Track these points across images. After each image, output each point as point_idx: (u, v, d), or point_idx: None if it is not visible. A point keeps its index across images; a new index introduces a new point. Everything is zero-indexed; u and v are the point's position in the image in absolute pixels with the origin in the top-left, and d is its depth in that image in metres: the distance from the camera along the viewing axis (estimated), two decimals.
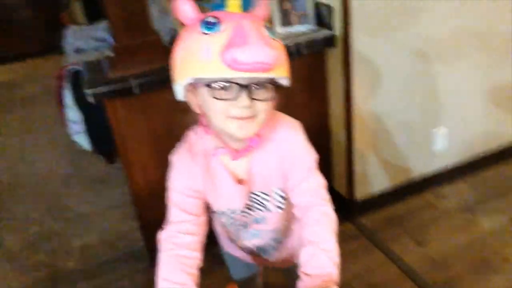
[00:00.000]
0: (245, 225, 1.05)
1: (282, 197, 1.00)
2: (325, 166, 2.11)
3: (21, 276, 2.01)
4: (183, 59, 0.81)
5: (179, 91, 0.85)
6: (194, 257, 0.90)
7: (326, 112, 1.99)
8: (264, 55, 0.75)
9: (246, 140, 0.89)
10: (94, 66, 1.74)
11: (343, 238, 1.70)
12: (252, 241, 1.10)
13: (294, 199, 0.97)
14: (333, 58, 1.83)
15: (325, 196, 0.95)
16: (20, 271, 2.04)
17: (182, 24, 0.84)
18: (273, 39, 0.80)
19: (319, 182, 0.95)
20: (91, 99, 1.56)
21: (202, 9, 0.85)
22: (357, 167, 1.98)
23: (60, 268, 2.05)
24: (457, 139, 2.16)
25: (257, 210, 1.01)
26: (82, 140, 2.75)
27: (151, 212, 1.89)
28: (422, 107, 2.01)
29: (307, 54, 1.76)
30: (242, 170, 0.95)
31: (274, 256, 1.15)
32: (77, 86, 2.42)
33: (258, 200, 1.00)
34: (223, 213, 1.02)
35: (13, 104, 4.24)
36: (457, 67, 1.99)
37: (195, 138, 0.95)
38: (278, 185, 0.97)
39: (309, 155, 0.96)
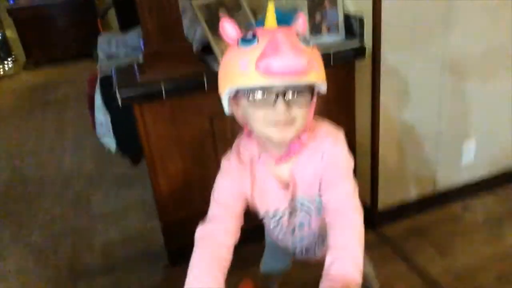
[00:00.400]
0: (292, 231, 1.11)
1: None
2: None
3: (44, 269, 2.05)
4: (225, 73, 0.89)
5: (225, 104, 0.92)
6: (228, 260, 0.92)
7: (352, 122, 1.99)
8: (296, 62, 0.80)
9: (287, 145, 0.94)
10: (125, 71, 1.77)
11: (365, 247, 1.67)
12: (299, 244, 1.16)
13: (325, 203, 0.98)
14: (362, 69, 1.82)
15: (356, 204, 0.94)
16: (43, 265, 2.08)
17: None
18: (307, 47, 0.84)
19: (352, 189, 0.95)
20: (119, 102, 1.59)
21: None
22: (381, 177, 1.95)
23: (81, 263, 2.08)
24: (485, 152, 2.11)
25: (300, 215, 1.07)
26: (109, 142, 2.81)
27: (172, 214, 1.92)
28: (451, 120, 1.98)
29: (336, 65, 1.76)
30: (285, 175, 1.00)
31: (319, 254, 1.18)
32: (107, 91, 2.48)
33: (302, 205, 1.04)
34: (270, 217, 1.07)
35: (47, 105, 4.39)
36: (487, 82, 1.96)
37: (242, 146, 1.01)
38: (318, 190, 1.00)
39: (346, 161, 0.97)
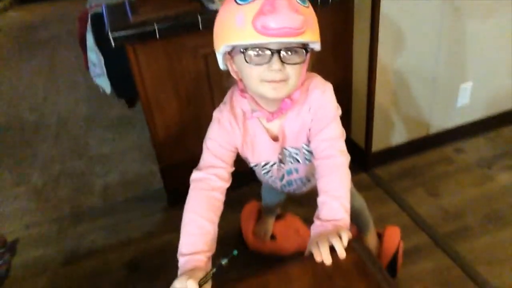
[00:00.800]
0: (281, 178, 1.19)
1: (309, 151, 1.08)
2: (345, 117, 2.10)
3: (45, 211, 2.12)
4: (220, 29, 0.89)
5: (220, 60, 0.93)
6: (221, 200, 0.99)
7: (350, 65, 1.97)
8: (292, 21, 0.81)
9: (279, 102, 0.97)
10: (116, 11, 1.72)
11: (358, 188, 1.72)
12: (287, 188, 1.26)
13: (313, 148, 1.03)
14: (361, 14, 1.77)
15: (342, 148, 0.99)
16: (45, 207, 2.14)
17: None
18: (303, 6, 0.85)
19: (337, 133, 1.00)
20: (112, 43, 1.56)
21: None
22: (376, 120, 1.97)
23: (83, 204, 2.14)
24: (480, 95, 2.11)
25: (289, 163, 1.13)
26: (103, 83, 2.78)
27: (170, 155, 1.95)
28: (448, 63, 1.96)
29: (334, 3, 1.70)
30: (276, 129, 1.04)
31: (304, 191, 1.30)
32: (99, 30, 2.41)
33: (290, 154, 1.10)
34: (259, 166, 1.13)
35: (37, 45, 4.28)
36: (486, 23, 1.91)
37: (235, 100, 1.03)
38: (305, 141, 1.06)
39: (332, 109, 1.01)
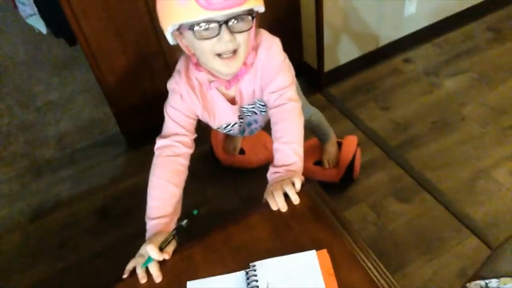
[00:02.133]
0: (242, 131, 1.25)
1: (263, 104, 1.11)
2: (296, 40, 2.09)
3: (3, 169, 2.07)
4: (164, 9, 0.87)
5: (169, 38, 0.92)
6: (186, 166, 1.02)
7: None
8: None
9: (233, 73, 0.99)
10: None
11: (316, 107, 1.75)
12: (247, 134, 1.31)
13: (265, 101, 1.07)
14: None
15: (291, 95, 1.01)
16: (2, 164, 2.09)
17: None
18: None
19: (285, 82, 1.02)
20: None
21: None
22: (326, 39, 1.95)
23: (40, 157, 2.10)
24: (426, 3, 2.10)
25: (247, 117, 1.18)
26: (37, 23, 2.58)
27: (121, 99, 1.90)
28: None
29: None
30: (232, 93, 1.07)
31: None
32: None
33: (247, 110, 1.14)
34: (221, 128, 1.17)
35: None
36: None
37: (190, 71, 1.02)
38: (260, 97, 1.08)
39: (279, 60, 1.02)
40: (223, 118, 1.12)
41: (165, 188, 0.96)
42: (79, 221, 1.79)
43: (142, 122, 1.96)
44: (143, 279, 0.81)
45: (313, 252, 0.74)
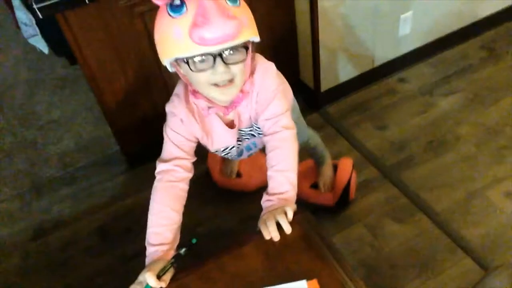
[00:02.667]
0: (239, 154, 1.26)
1: (259, 127, 1.12)
2: (293, 59, 2.13)
3: (5, 187, 2.10)
4: (160, 43, 0.91)
5: (167, 66, 0.96)
6: (186, 191, 1.04)
7: (292, 8, 1.94)
8: (227, 28, 0.83)
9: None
10: None
11: (313, 127, 1.77)
12: (246, 156, 1.32)
13: (260, 127, 1.08)
14: None
15: (286, 123, 1.03)
16: (3, 183, 2.12)
17: None
18: (235, 6, 0.86)
19: (280, 109, 1.03)
20: (39, 15, 1.49)
21: None
22: (323, 59, 1.99)
23: (41, 175, 2.13)
24: (421, 23, 2.15)
25: (245, 140, 1.19)
26: (39, 43, 2.61)
27: (121, 118, 1.93)
28: None
29: None
30: (231, 116, 1.09)
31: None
32: None
33: (245, 133, 1.16)
34: (219, 152, 1.19)
35: None
36: None
37: (190, 99, 1.04)
38: (256, 121, 1.10)
39: (274, 86, 1.04)
40: (221, 141, 1.14)
41: (166, 214, 0.98)
42: (80, 240, 1.82)
43: (141, 141, 1.99)
44: None
45: (304, 282, 0.77)
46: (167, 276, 0.85)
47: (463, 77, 2.19)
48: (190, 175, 1.05)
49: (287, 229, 0.85)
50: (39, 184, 2.10)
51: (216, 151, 1.20)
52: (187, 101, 1.04)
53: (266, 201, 0.95)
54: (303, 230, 0.86)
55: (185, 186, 1.04)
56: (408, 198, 1.73)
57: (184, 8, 0.83)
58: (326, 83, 2.10)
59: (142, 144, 2.00)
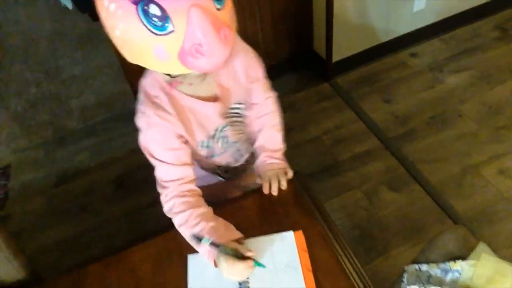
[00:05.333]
0: (234, 143, 1.07)
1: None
2: (307, 30, 2.19)
3: (30, 136, 2.25)
4: (134, 50, 0.71)
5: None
6: (199, 193, 0.95)
7: None
8: (224, 55, 0.71)
9: None
10: None
11: (319, 98, 1.86)
12: (230, 156, 1.10)
13: (254, 92, 1.04)
14: None
15: (269, 85, 1.06)
16: (28, 132, 2.28)
17: None
18: (221, 8, 0.70)
19: (263, 72, 1.02)
20: None
21: None
22: (336, 30, 2.05)
23: (63, 127, 2.28)
24: (435, 0, 2.17)
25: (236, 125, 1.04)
26: None
27: (140, 75, 2.04)
28: None
29: None
30: (211, 90, 0.93)
31: (242, 176, 1.19)
32: None
33: (235, 109, 1.01)
34: (211, 136, 1.00)
35: None
36: None
37: (148, 87, 0.90)
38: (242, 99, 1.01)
39: (250, 50, 0.99)
40: (207, 123, 0.96)
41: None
42: (98, 189, 1.98)
43: None
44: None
45: (291, 232, 0.89)
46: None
47: (473, 56, 2.23)
48: (195, 184, 0.95)
49: (285, 186, 0.97)
50: (61, 135, 2.25)
51: (207, 140, 0.99)
52: (149, 95, 0.89)
53: (267, 157, 1.03)
54: (295, 189, 0.97)
55: (195, 192, 0.95)
56: (406, 169, 1.83)
57: (170, 26, 0.66)
58: (338, 54, 2.17)
59: None
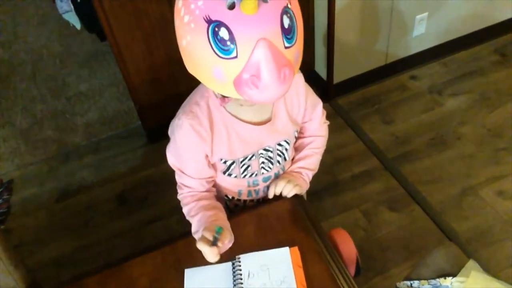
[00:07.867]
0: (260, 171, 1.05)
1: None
2: (308, 51, 2.23)
3: (34, 151, 2.28)
4: (194, 64, 0.76)
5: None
6: (214, 193, 1.05)
7: (311, 3, 2.05)
8: (280, 92, 0.73)
9: None
10: None
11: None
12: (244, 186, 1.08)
13: (307, 125, 1.12)
14: None
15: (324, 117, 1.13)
16: (33, 147, 2.31)
17: None
18: (290, 46, 0.72)
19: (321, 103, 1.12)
20: None
21: None
22: (337, 53, 2.09)
23: (68, 143, 2.31)
24: (436, 24, 2.22)
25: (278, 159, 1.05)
26: (72, 19, 2.79)
27: (144, 96, 2.09)
28: None
29: None
30: (262, 115, 0.97)
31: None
32: None
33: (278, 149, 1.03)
34: (239, 161, 1.00)
35: None
36: None
37: (199, 92, 0.95)
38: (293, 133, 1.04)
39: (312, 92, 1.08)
40: (248, 143, 0.97)
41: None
42: (100, 205, 1.99)
43: (161, 118, 2.13)
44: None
45: (287, 248, 0.91)
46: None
47: (473, 79, 2.27)
48: (211, 187, 1.04)
49: (287, 195, 1.00)
50: (65, 151, 2.28)
51: (233, 163, 0.99)
52: (189, 105, 0.94)
53: (295, 168, 1.06)
54: (293, 206, 0.99)
55: (211, 191, 1.04)
56: (405, 189, 1.84)
57: (234, 52, 0.69)
58: (339, 76, 2.21)
59: (161, 121, 2.14)
